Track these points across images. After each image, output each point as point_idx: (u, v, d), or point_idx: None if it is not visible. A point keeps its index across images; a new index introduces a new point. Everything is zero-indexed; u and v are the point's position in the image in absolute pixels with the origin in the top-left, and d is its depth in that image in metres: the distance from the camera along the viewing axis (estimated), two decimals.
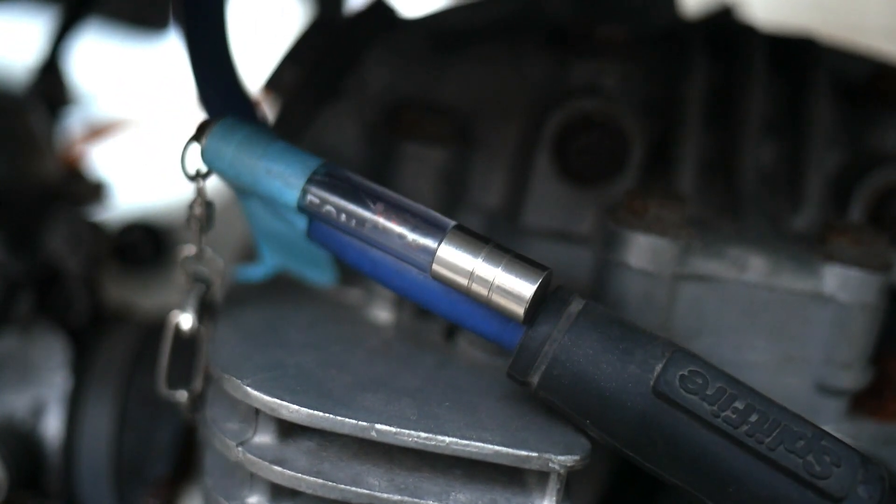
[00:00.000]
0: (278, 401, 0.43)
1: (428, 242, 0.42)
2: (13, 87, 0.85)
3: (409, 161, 0.56)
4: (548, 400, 0.42)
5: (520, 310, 0.41)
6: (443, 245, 0.42)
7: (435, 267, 0.42)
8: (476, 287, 0.41)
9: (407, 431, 0.42)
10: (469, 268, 0.41)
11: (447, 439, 0.42)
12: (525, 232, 0.57)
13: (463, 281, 0.42)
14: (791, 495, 0.40)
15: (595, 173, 0.57)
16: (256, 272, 0.54)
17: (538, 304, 0.42)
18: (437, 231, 0.42)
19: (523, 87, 0.59)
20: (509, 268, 0.41)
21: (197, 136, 0.46)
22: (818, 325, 0.50)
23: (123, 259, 1.10)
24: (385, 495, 0.42)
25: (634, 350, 0.41)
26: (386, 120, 0.59)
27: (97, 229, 0.79)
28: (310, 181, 0.44)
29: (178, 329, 0.52)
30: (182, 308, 0.52)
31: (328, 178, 0.44)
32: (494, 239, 0.42)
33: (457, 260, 0.42)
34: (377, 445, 0.44)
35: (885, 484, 0.40)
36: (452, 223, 0.43)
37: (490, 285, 0.41)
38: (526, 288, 0.41)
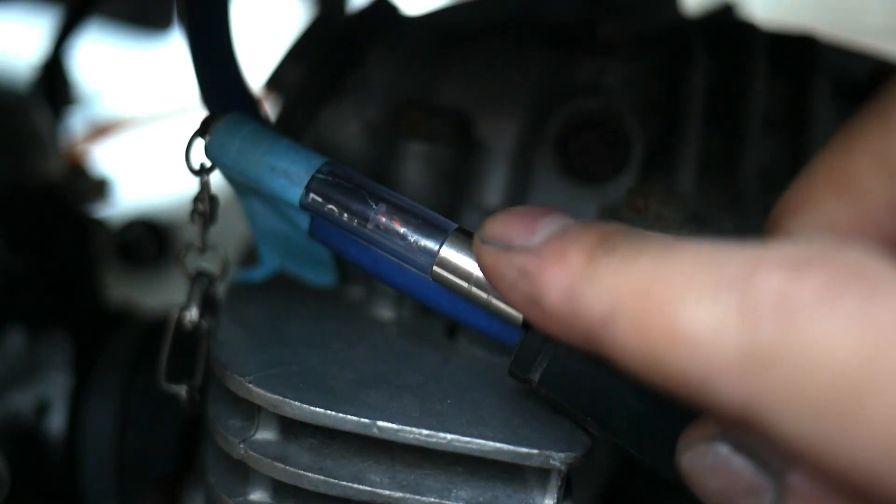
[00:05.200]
0: (281, 398, 0.43)
1: (429, 244, 0.42)
2: (16, 85, 0.85)
3: (411, 160, 0.56)
4: (549, 397, 0.43)
5: (518, 315, 0.41)
6: (444, 247, 0.42)
7: (435, 269, 0.42)
8: (476, 291, 0.41)
9: (409, 428, 0.42)
10: (469, 271, 0.41)
11: (449, 436, 0.42)
12: None
13: (463, 284, 0.42)
14: None
15: (597, 172, 0.57)
16: (256, 274, 0.54)
17: None
18: (439, 233, 0.43)
19: (525, 86, 0.59)
20: None
21: (202, 131, 0.46)
22: None
23: (126, 256, 1.10)
24: (387, 492, 0.43)
25: None
26: (388, 118, 0.59)
27: (100, 227, 0.79)
28: (313, 179, 0.44)
29: (179, 323, 0.52)
30: (184, 302, 0.52)
31: (331, 177, 0.44)
32: None
33: (457, 262, 0.42)
34: (379, 442, 0.44)
35: None
36: (454, 226, 0.43)
37: (489, 290, 0.41)
38: None
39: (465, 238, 0.42)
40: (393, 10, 0.64)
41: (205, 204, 0.50)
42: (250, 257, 0.58)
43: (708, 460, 0.31)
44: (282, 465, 0.43)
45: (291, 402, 0.43)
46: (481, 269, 0.37)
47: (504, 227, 0.35)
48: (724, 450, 0.31)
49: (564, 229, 0.33)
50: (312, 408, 0.42)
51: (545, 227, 0.34)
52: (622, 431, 0.41)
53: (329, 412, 0.42)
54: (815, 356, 0.25)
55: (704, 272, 0.27)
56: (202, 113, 0.48)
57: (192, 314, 0.52)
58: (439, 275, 0.42)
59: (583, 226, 0.33)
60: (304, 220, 0.46)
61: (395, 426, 0.42)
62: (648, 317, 0.28)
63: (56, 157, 0.83)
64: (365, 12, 0.63)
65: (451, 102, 0.59)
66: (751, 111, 0.59)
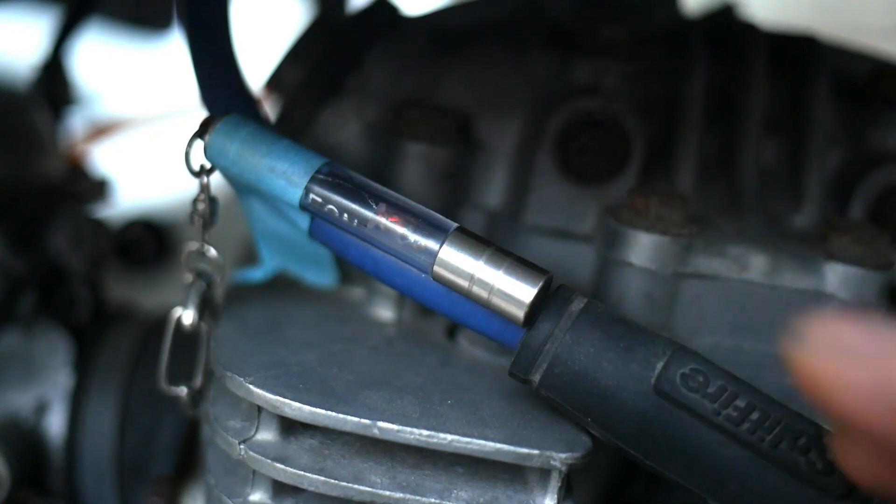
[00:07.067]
0: (281, 398, 0.43)
1: (430, 244, 0.42)
2: (16, 85, 0.85)
3: (411, 160, 0.56)
4: (549, 398, 0.43)
5: (519, 313, 0.41)
6: (444, 247, 0.42)
7: (436, 269, 0.42)
8: (476, 290, 0.41)
9: (409, 429, 0.42)
10: (470, 270, 0.41)
11: (449, 437, 0.42)
12: (527, 231, 0.58)
13: (464, 283, 0.42)
14: (792, 492, 0.40)
15: (597, 172, 0.57)
16: (256, 274, 0.54)
17: (538, 307, 0.42)
18: (439, 233, 0.43)
19: (525, 86, 0.59)
20: (510, 272, 0.41)
21: (201, 133, 0.46)
22: None
23: (126, 257, 1.10)
24: (387, 493, 0.43)
25: (636, 348, 0.41)
26: (388, 118, 0.59)
27: (100, 227, 0.79)
28: (312, 180, 0.44)
29: (178, 325, 0.52)
30: (183, 304, 0.52)
31: (331, 178, 0.44)
32: (495, 242, 0.42)
33: (458, 262, 0.42)
34: (379, 443, 0.44)
35: None
36: (455, 225, 0.43)
37: (490, 289, 0.41)
38: (526, 292, 0.41)
39: (466, 237, 0.42)
40: (393, 10, 0.64)
41: (204, 205, 0.49)
42: (250, 257, 0.58)
43: None
44: (282, 466, 0.43)
45: (291, 402, 0.43)
46: (810, 380, 0.31)
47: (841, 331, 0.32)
48: None
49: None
50: (312, 408, 0.42)
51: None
52: (622, 432, 0.41)
53: (329, 413, 0.42)
54: None
55: None
56: (202, 113, 0.48)
57: (190, 317, 0.52)
58: (440, 274, 0.42)
59: None
60: (304, 221, 0.46)
61: (395, 427, 0.42)
62: None
63: (56, 157, 0.82)
64: (365, 12, 0.63)
65: (451, 102, 0.59)
66: (750, 111, 0.59)
